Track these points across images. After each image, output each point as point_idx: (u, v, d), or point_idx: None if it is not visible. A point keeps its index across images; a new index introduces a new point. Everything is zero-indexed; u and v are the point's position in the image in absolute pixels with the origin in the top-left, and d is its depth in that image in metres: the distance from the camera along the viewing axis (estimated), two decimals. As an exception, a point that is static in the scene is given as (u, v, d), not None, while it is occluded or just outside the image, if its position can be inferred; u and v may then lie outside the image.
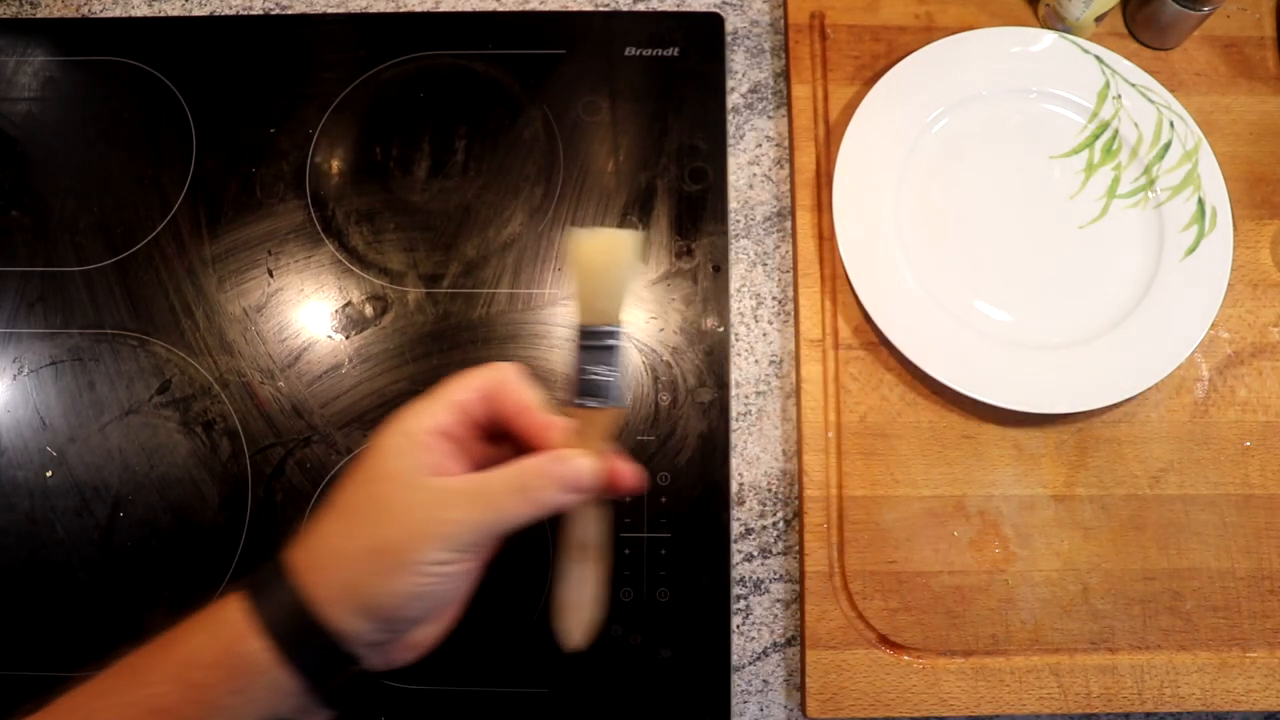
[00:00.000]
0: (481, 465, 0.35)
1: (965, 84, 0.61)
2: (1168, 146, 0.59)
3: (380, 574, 0.31)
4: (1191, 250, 0.57)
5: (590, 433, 0.35)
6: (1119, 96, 0.60)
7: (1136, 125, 0.60)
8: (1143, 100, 0.60)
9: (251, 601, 0.32)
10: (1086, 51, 0.61)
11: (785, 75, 0.64)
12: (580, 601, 0.36)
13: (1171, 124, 0.60)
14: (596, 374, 0.35)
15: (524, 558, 0.55)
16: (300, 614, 0.31)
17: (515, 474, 0.33)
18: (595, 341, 0.35)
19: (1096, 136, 0.60)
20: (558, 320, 0.59)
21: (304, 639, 0.31)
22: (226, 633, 0.31)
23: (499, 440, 0.36)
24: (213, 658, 0.31)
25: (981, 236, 0.59)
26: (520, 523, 0.33)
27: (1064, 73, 0.61)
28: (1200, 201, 0.58)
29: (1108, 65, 0.61)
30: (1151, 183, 0.59)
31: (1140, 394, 0.55)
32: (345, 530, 0.32)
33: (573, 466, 0.33)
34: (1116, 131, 0.60)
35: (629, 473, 0.35)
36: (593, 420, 0.35)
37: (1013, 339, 0.56)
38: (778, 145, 0.63)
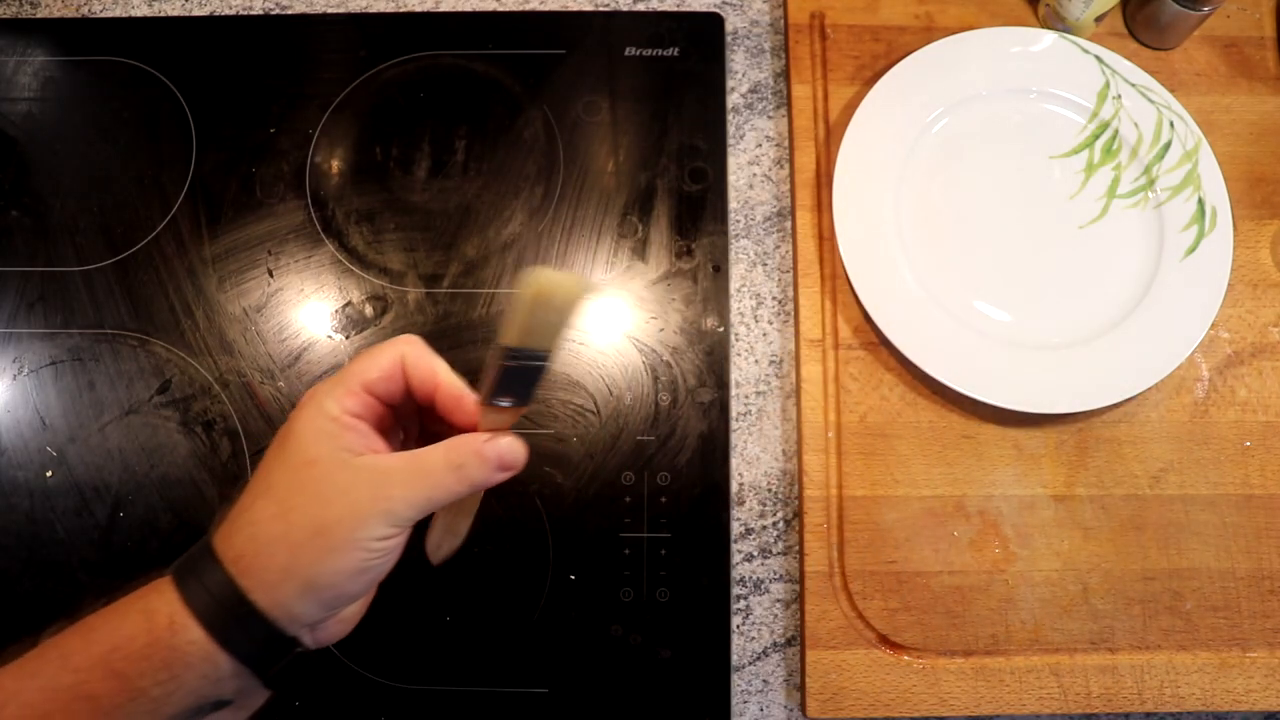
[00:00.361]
0: (391, 439, 0.36)
1: (965, 84, 0.61)
2: (1168, 146, 0.59)
3: (323, 554, 0.32)
4: (1191, 250, 0.57)
5: (500, 422, 0.35)
6: (1119, 96, 0.60)
7: (1136, 125, 0.60)
8: (1143, 100, 0.60)
9: (182, 591, 0.32)
10: (1086, 51, 0.61)
11: (785, 75, 0.64)
12: (454, 535, 0.38)
13: (1171, 124, 0.60)
14: (519, 383, 0.35)
15: (524, 558, 0.55)
16: (237, 602, 0.31)
17: (450, 452, 0.34)
18: (525, 360, 0.34)
19: (1096, 136, 0.60)
20: (558, 320, 0.59)
21: (243, 627, 0.31)
22: (157, 622, 0.31)
23: (404, 411, 0.37)
24: (142, 647, 0.31)
25: (981, 236, 0.59)
26: (454, 498, 0.34)
27: (1064, 73, 0.61)
28: (1200, 201, 0.58)
29: (1108, 65, 0.61)
30: (1151, 183, 0.59)
31: (1140, 394, 0.55)
32: (281, 514, 0.32)
33: (506, 448, 0.34)
34: (1116, 131, 0.60)
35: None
36: (503, 414, 0.35)
37: (1013, 339, 0.56)
38: (778, 145, 0.63)
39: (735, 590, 0.55)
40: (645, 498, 0.55)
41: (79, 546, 0.55)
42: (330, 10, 0.66)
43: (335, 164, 0.62)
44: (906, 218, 0.59)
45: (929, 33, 0.63)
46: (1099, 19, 0.61)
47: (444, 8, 0.66)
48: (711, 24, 0.65)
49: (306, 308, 0.60)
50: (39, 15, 0.66)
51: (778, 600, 0.55)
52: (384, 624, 0.54)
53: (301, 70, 0.64)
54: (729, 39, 0.65)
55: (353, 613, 0.36)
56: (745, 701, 0.54)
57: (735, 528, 0.56)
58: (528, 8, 0.66)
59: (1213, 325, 0.56)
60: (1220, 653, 0.53)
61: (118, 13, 0.66)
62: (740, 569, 0.55)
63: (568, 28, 0.65)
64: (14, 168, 0.63)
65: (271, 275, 0.60)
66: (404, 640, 0.54)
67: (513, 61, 0.64)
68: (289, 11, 0.66)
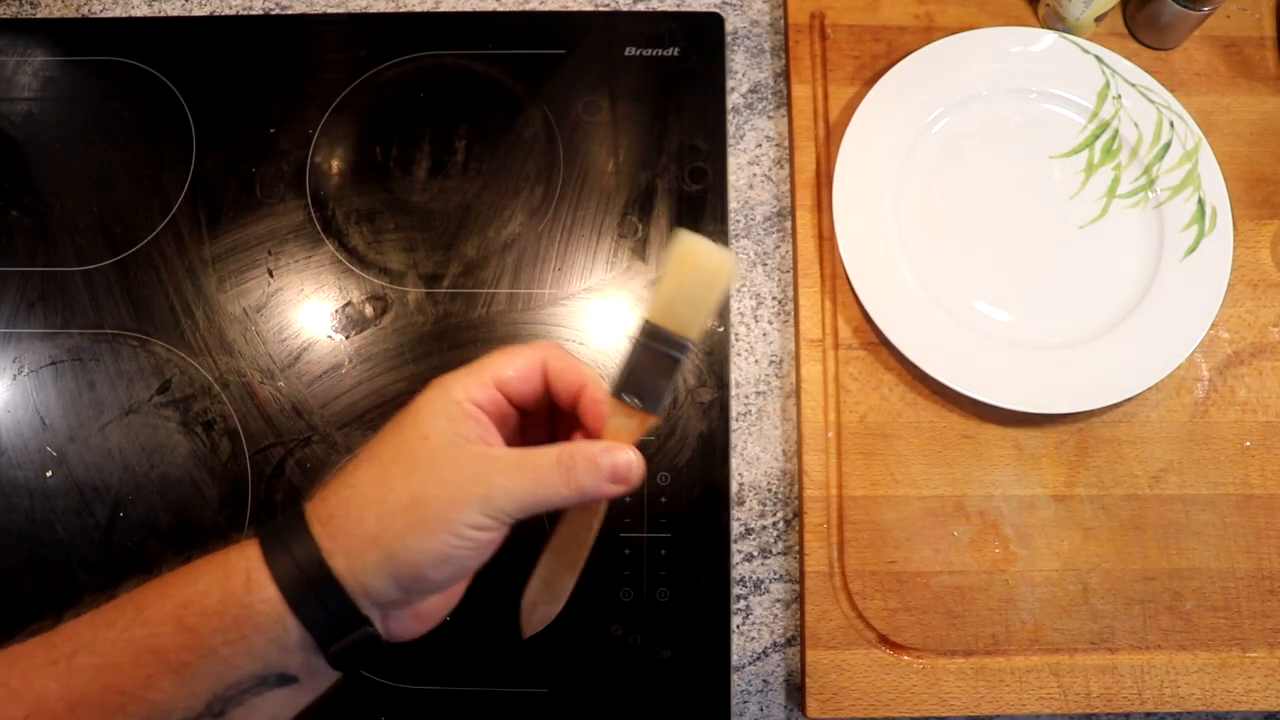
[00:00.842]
0: (513, 443, 0.35)
1: (965, 84, 0.61)
2: (1168, 146, 0.59)
3: (413, 528, 0.31)
4: (1191, 250, 0.57)
5: (625, 430, 0.34)
6: (1119, 96, 0.60)
7: (1136, 125, 0.60)
8: (1143, 100, 0.60)
9: (265, 549, 0.31)
10: (1087, 51, 0.61)
11: (785, 75, 0.64)
12: (552, 596, 0.36)
13: (1171, 124, 0.60)
14: (651, 378, 0.33)
15: (524, 558, 0.55)
16: (316, 566, 0.30)
17: (563, 454, 0.32)
18: (661, 346, 0.33)
19: (1097, 136, 0.60)
20: (558, 320, 0.59)
21: (315, 591, 0.30)
22: (234, 580, 0.30)
23: (533, 417, 0.36)
24: (215, 604, 0.30)
25: (981, 236, 0.59)
26: (557, 504, 0.32)
27: (1064, 73, 0.61)
28: (1200, 201, 0.58)
29: (1108, 65, 0.61)
30: (1151, 183, 0.59)
31: (1140, 394, 0.55)
32: (380, 479, 0.31)
33: (622, 459, 0.33)
34: (1117, 131, 0.60)
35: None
36: (631, 418, 0.34)
37: (1013, 339, 0.56)
38: (778, 145, 0.63)
39: (735, 590, 0.55)
40: (645, 498, 0.55)
41: (79, 546, 0.55)
42: (330, 10, 0.66)
43: (335, 164, 0.62)
44: (906, 217, 0.59)
45: (929, 33, 0.63)
46: (1099, 19, 0.61)
47: (444, 8, 0.66)
48: (711, 24, 0.65)
49: (306, 308, 0.60)
50: (39, 15, 0.66)
51: (778, 600, 0.55)
52: (384, 624, 0.54)
53: (301, 70, 0.64)
54: (729, 39, 0.65)
55: (432, 609, 0.35)
56: (745, 701, 0.54)
57: (735, 528, 0.56)
58: (528, 8, 0.66)
59: (1213, 325, 0.56)
60: (1220, 653, 0.53)
61: (118, 13, 0.66)
62: (740, 569, 0.55)
63: (568, 28, 0.65)
64: (14, 168, 0.63)
65: (271, 275, 0.60)
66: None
67: (513, 61, 0.64)
68: (289, 11, 0.66)
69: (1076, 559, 0.54)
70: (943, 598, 0.53)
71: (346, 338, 0.59)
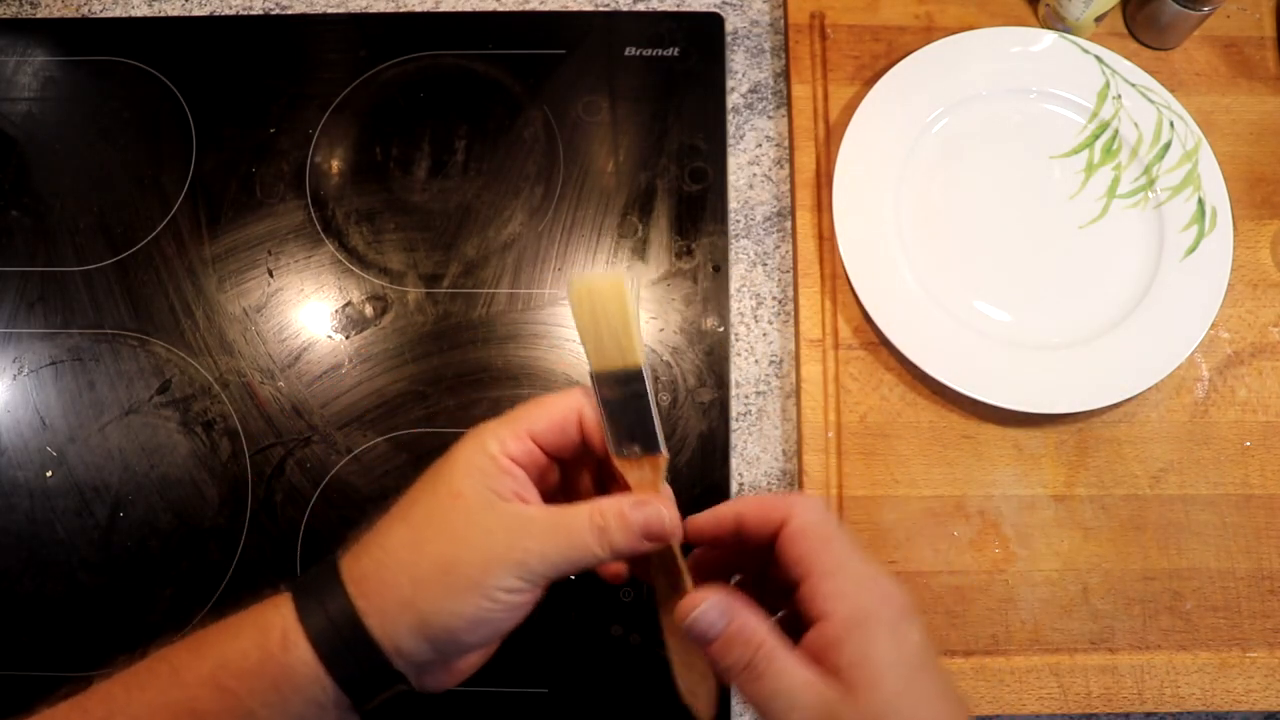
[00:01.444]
0: (551, 496, 0.35)
1: (965, 84, 0.61)
2: (1168, 146, 0.59)
3: (446, 592, 0.30)
4: (1192, 250, 0.57)
5: (646, 480, 0.34)
6: (1119, 96, 0.60)
7: (1136, 125, 0.60)
8: (1143, 100, 0.60)
9: (299, 607, 0.31)
10: (1086, 52, 0.61)
11: (785, 75, 0.64)
12: (704, 672, 0.36)
13: (1171, 124, 0.60)
14: (632, 420, 0.33)
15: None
16: (351, 627, 0.30)
17: (594, 514, 0.32)
18: (619, 387, 0.33)
19: (1097, 136, 0.60)
20: (558, 320, 0.59)
21: (352, 654, 0.30)
22: (270, 637, 0.30)
23: (574, 466, 0.36)
24: (254, 665, 0.30)
25: (981, 236, 0.59)
26: (592, 564, 0.32)
27: (1064, 73, 0.61)
28: (1200, 201, 0.58)
29: (1108, 65, 0.61)
30: (1151, 183, 0.59)
31: (1140, 394, 0.55)
32: (413, 542, 0.31)
33: (653, 513, 0.32)
34: (1116, 131, 0.60)
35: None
36: (643, 467, 0.34)
37: (1012, 339, 0.56)
38: (778, 145, 0.63)
39: (735, 590, 0.55)
40: (645, 498, 0.55)
41: (79, 546, 0.55)
42: (330, 10, 0.66)
43: (335, 164, 0.62)
44: (906, 217, 0.59)
45: (929, 33, 0.63)
46: (1099, 19, 0.61)
47: (444, 8, 0.66)
48: (711, 24, 0.65)
49: (306, 308, 0.60)
50: (39, 15, 0.66)
51: (778, 600, 0.55)
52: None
53: (301, 70, 0.64)
54: (729, 39, 0.65)
55: (467, 665, 0.34)
56: (746, 701, 0.53)
57: (735, 528, 0.56)
58: (528, 8, 0.66)
59: (1213, 325, 0.56)
60: (1220, 653, 0.53)
61: (118, 13, 0.66)
62: (740, 569, 0.55)
63: (568, 28, 0.65)
64: (14, 168, 0.63)
65: (271, 275, 0.60)
66: (404, 640, 0.54)
67: (513, 61, 0.64)
68: (289, 11, 0.66)
69: (1076, 559, 0.54)
70: (943, 598, 0.53)
71: (346, 338, 0.59)
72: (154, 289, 0.60)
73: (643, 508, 0.32)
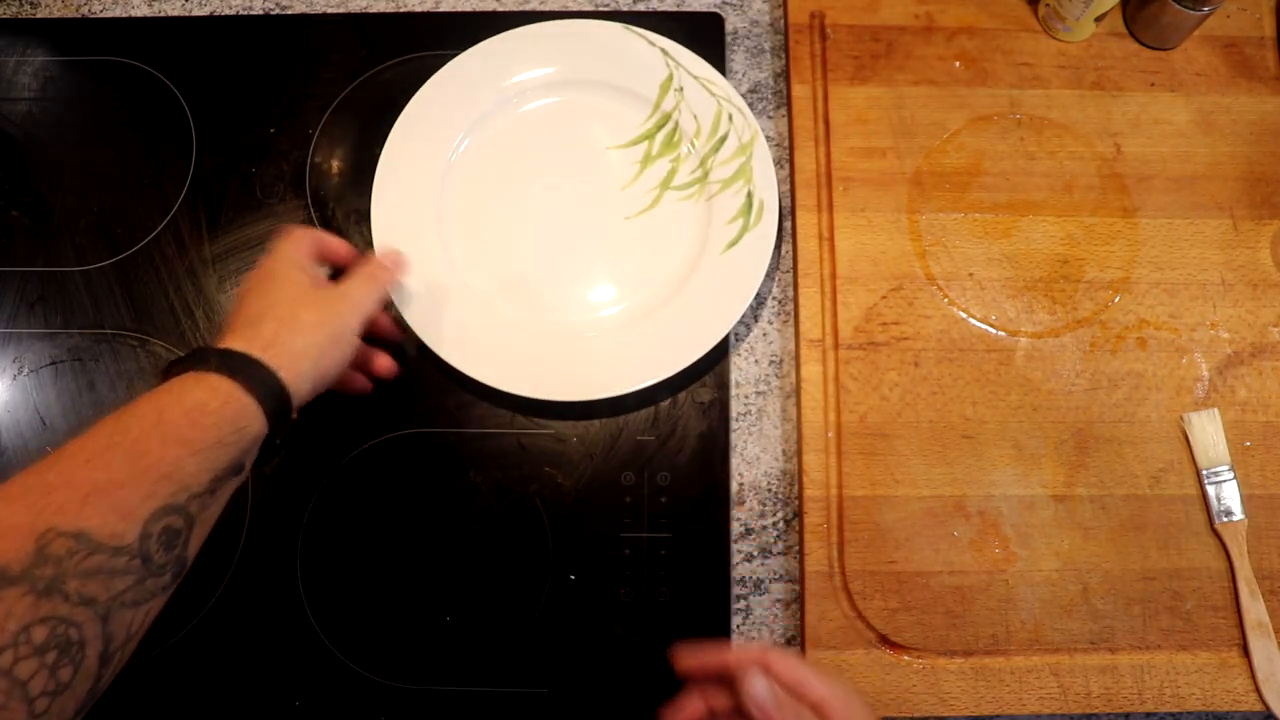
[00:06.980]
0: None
1: (529, 78, 0.61)
2: (724, 139, 0.60)
3: (332, 350, 0.46)
4: (734, 244, 0.58)
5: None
6: (681, 89, 0.61)
7: (696, 117, 0.60)
8: (704, 93, 0.60)
9: (230, 374, 0.41)
10: (653, 44, 0.61)
11: (785, 75, 0.64)
12: None
13: (730, 117, 0.60)
14: None
15: (524, 558, 0.55)
16: (272, 379, 0.43)
17: (367, 270, 0.50)
18: None
19: (660, 128, 0.61)
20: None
21: (276, 399, 0.43)
22: (222, 392, 0.41)
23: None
24: (219, 406, 0.40)
25: (520, 230, 0.60)
26: (382, 303, 0.51)
27: (630, 65, 0.61)
28: (750, 195, 0.58)
29: (672, 57, 0.61)
30: (706, 175, 0.59)
31: (1141, 394, 0.55)
32: (293, 316, 0.45)
33: (388, 260, 0.52)
34: (677, 124, 0.61)
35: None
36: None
37: (545, 330, 0.57)
38: (778, 145, 0.63)
39: (735, 590, 0.55)
40: (645, 498, 0.55)
41: (79, 546, 0.55)
42: (330, 10, 0.66)
43: (335, 164, 0.62)
44: (450, 215, 0.60)
45: (929, 32, 0.63)
46: (1099, 19, 0.61)
47: (444, 8, 0.66)
48: (711, 24, 0.65)
49: (306, 308, 0.59)
50: (39, 15, 0.66)
51: (778, 600, 0.55)
52: (384, 624, 0.54)
53: (301, 70, 0.64)
54: (729, 39, 0.65)
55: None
56: None
57: (735, 528, 0.56)
58: (528, 8, 0.66)
59: (1213, 325, 0.56)
60: (1220, 653, 0.53)
61: (118, 13, 0.66)
62: (740, 569, 0.55)
63: (568, 28, 0.65)
64: (14, 168, 0.63)
65: (271, 275, 0.60)
66: (404, 640, 0.54)
67: (513, 61, 0.64)
68: (289, 11, 0.66)
69: (1076, 559, 0.54)
70: (943, 598, 0.53)
71: (346, 338, 0.59)
72: (154, 289, 0.60)
73: (379, 263, 0.52)
